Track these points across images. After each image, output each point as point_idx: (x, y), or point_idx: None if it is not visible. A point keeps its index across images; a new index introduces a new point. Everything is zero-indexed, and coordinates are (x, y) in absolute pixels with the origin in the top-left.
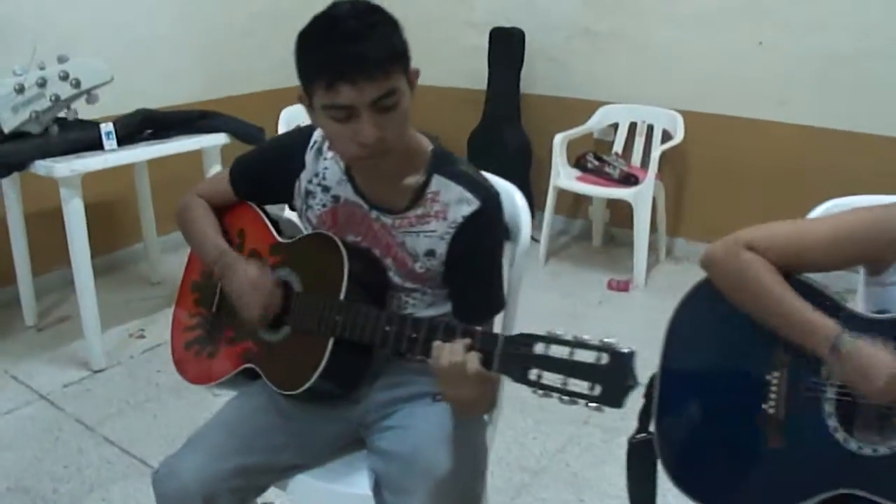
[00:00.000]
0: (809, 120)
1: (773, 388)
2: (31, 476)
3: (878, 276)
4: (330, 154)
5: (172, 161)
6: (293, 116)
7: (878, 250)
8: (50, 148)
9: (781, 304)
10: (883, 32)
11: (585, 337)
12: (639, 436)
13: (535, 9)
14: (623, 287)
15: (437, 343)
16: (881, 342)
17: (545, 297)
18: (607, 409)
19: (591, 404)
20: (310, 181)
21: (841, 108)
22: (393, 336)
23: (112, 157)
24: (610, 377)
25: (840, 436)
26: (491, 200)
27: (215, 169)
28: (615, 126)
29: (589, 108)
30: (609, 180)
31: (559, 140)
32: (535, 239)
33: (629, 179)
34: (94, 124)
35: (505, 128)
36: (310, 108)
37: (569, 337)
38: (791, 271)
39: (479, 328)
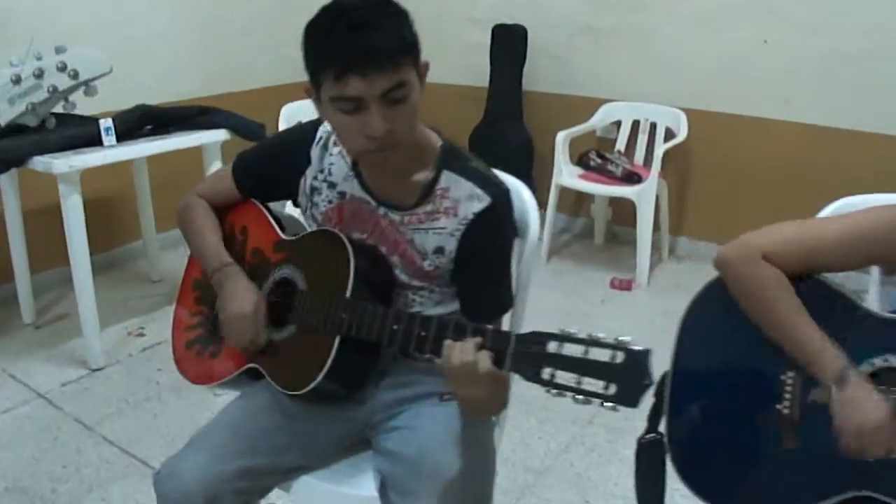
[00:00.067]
0: (813, 119)
1: (788, 389)
2: (30, 476)
3: (894, 275)
4: (336, 149)
5: (172, 157)
6: (294, 113)
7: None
8: (48, 144)
9: (794, 329)
10: (887, 32)
11: (599, 335)
12: (648, 436)
13: (538, 6)
14: (626, 286)
15: (447, 342)
16: (882, 393)
17: (547, 295)
18: (622, 409)
19: (606, 404)
20: (315, 177)
21: (845, 106)
22: (401, 334)
23: (111, 153)
24: (625, 376)
25: None
26: (502, 197)
27: (215, 165)
28: (618, 124)
29: (591, 105)
30: (612, 178)
31: (562, 137)
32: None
33: (632, 177)
34: (93, 120)
35: (507, 125)
36: (317, 101)
37: (583, 335)
38: (807, 274)
39: (490, 326)
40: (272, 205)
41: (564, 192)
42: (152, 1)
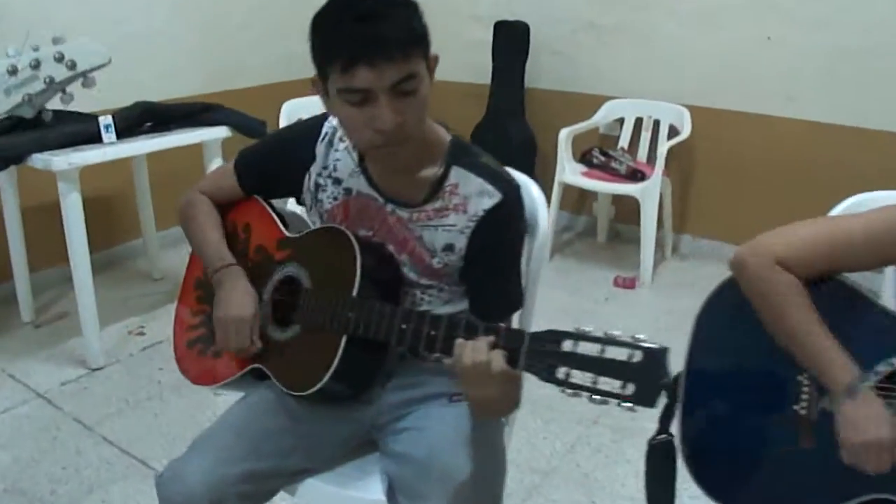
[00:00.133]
0: (817, 116)
1: (805, 389)
2: (29, 477)
3: None
4: (342, 145)
5: (172, 155)
6: (295, 110)
7: None
8: (47, 141)
9: (805, 337)
10: (890, 28)
11: (615, 333)
12: (659, 437)
13: (540, 2)
14: (629, 284)
15: (459, 341)
16: (891, 408)
17: (551, 294)
18: (639, 409)
19: (623, 404)
20: (319, 174)
21: (849, 104)
22: (410, 334)
23: (111, 150)
24: (643, 375)
25: None
26: (512, 193)
27: (216, 163)
28: (621, 121)
29: (594, 102)
30: (615, 176)
31: (565, 135)
32: None
33: (636, 175)
34: (93, 117)
35: (509, 122)
36: (324, 94)
37: (599, 333)
38: (827, 274)
39: (502, 325)
40: (275, 202)
41: (567, 189)
42: None
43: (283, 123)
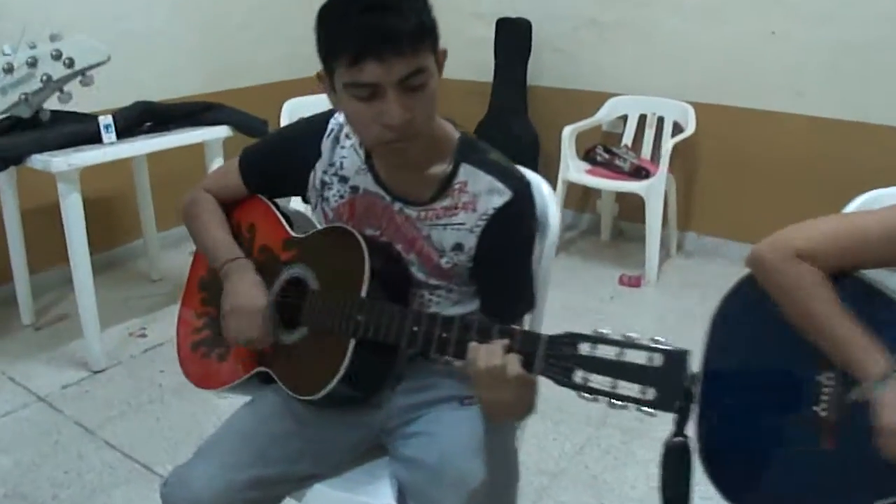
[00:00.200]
0: (823, 111)
1: (825, 389)
2: (30, 482)
3: None
4: (348, 142)
5: (173, 155)
6: (296, 109)
7: None
8: (47, 141)
9: (834, 328)
10: (895, 21)
11: (633, 335)
12: (675, 439)
13: None
14: (634, 283)
15: (472, 344)
16: None
17: (556, 293)
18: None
19: (643, 409)
20: (325, 171)
21: (855, 99)
22: (422, 336)
23: (111, 150)
24: (663, 379)
25: None
26: (523, 190)
27: (217, 163)
28: (624, 118)
29: (597, 99)
30: (619, 173)
31: (568, 132)
32: None
33: (640, 172)
34: (92, 117)
35: (512, 120)
36: (330, 90)
37: (617, 336)
38: (847, 270)
39: (517, 327)
40: (279, 201)
41: (570, 187)
42: None
43: (284, 122)
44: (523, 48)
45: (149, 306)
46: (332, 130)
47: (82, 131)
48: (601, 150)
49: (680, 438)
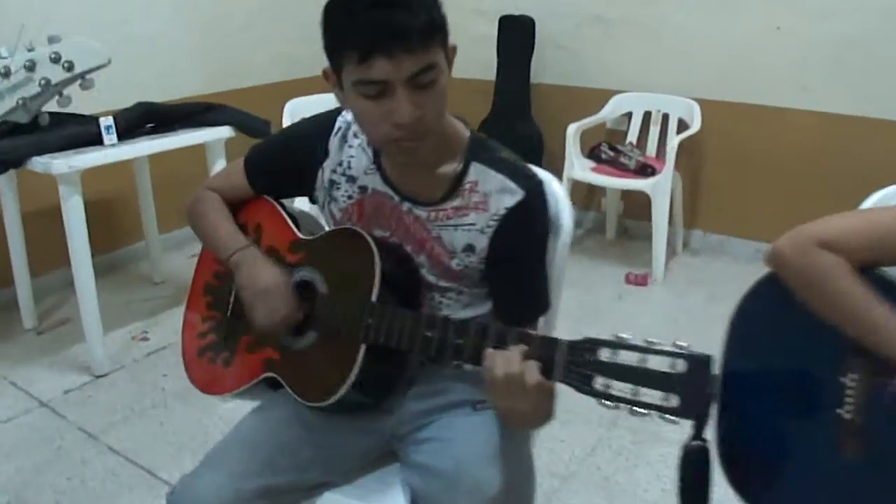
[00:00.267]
0: (830, 107)
1: (850, 392)
2: (32, 488)
3: None
4: (356, 141)
5: (174, 156)
6: (298, 109)
7: None
8: (47, 144)
9: (868, 314)
10: None
11: (653, 339)
12: (694, 442)
13: None
14: (641, 281)
15: (489, 351)
16: None
17: (563, 292)
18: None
19: (666, 416)
20: (334, 170)
21: (862, 94)
22: (436, 342)
23: (112, 152)
24: (687, 386)
25: None
26: (536, 189)
27: (220, 164)
28: (629, 115)
29: (601, 97)
30: (625, 171)
31: (573, 130)
32: None
33: (645, 170)
34: (93, 118)
35: (515, 118)
36: (337, 87)
37: (639, 341)
38: (867, 266)
39: (536, 333)
40: (285, 201)
41: (575, 186)
42: None
43: (286, 123)
44: (526, 45)
45: (151, 309)
46: (339, 129)
47: (83, 133)
48: (606, 148)
49: (698, 442)
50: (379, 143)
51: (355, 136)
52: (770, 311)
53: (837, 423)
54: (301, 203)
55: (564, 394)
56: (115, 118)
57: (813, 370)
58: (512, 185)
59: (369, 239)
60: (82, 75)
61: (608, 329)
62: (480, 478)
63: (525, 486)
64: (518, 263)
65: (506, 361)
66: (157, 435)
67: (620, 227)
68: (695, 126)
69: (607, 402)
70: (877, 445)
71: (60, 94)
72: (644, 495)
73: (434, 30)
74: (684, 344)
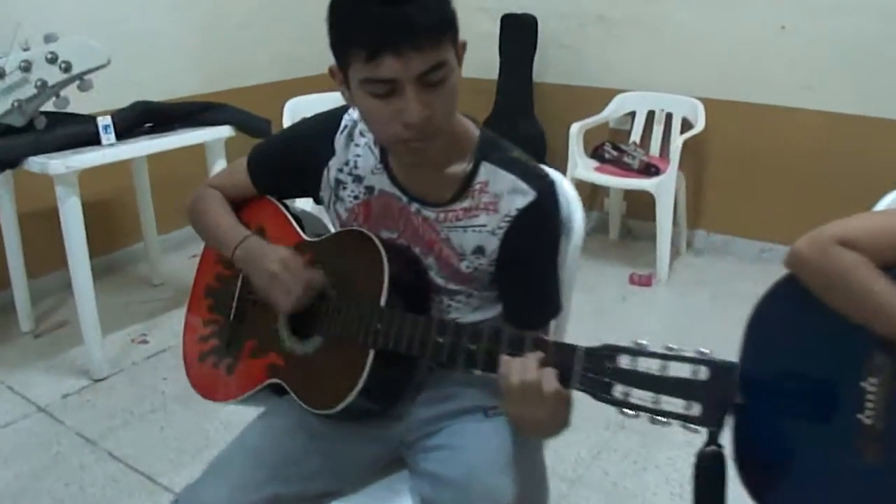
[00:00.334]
0: (834, 106)
1: (871, 396)
2: (30, 495)
3: None
4: (363, 140)
5: (173, 156)
6: (297, 109)
7: None
8: (44, 144)
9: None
10: None
11: (672, 345)
12: (708, 448)
13: None
14: (645, 281)
15: (505, 358)
16: None
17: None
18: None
19: (688, 425)
20: (340, 169)
21: (868, 93)
22: (448, 348)
23: (110, 152)
24: (710, 394)
25: None
26: (548, 190)
27: (219, 164)
28: (632, 115)
29: (604, 96)
30: (628, 171)
31: (576, 129)
32: None
33: (649, 169)
34: (91, 118)
35: (518, 118)
36: (344, 86)
37: (659, 348)
38: (889, 266)
39: (551, 339)
40: (289, 202)
41: (578, 185)
42: None
43: (286, 122)
44: (529, 44)
45: (150, 311)
46: (345, 127)
47: (80, 133)
48: (609, 148)
49: (714, 448)
50: (387, 142)
51: (361, 134)
52: (788, 313)
53: (858, 428)
54: (304, 203)
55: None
56: (113, 118)
57: (832, 374)
58: (523, 185)
59: (377, 241)
60: (80, 76)
61: (613, 330)
62: (493, 486)
63: (538, 494)
64: (529, 266)
65: (522, 368)
66: (157, 440)
67: (624, 228)
68: (699, 125)
69: (627, 411)
70: None
71: (57, 96)
72: (653, 499)
73: (445, 26)
74: (706, 350)
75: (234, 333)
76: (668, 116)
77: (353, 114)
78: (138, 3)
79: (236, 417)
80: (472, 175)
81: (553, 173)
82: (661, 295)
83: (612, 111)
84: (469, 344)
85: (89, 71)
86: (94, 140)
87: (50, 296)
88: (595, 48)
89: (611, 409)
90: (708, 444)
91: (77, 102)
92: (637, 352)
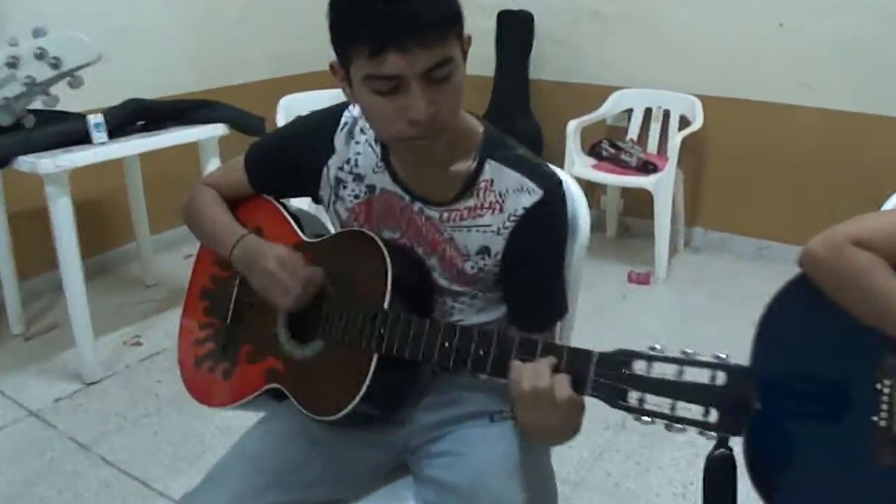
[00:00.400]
0: (832, 104)
1: (885, 398)
2: (23, 502)
3: None
4: (363, 137)
5: (166, 155)
6: (292, 106)
7: None
8: (33, 142)
9: None
10: None
11: (688, 350)
12: (717, 451)
13: None
14: (644, 280)
15: (516, 363)
16: None
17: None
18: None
19: (706, 432)
20: (340, 168)
21: (866, 91)
22: (455, 353)
23: (101, 150)
24: (728, 400)
25: None
26: (554, 189)
27: (213, 163)
28: (629, 112)
29: (601, 93)
30: (626, 168)
31: (573, 127)
32: None
33: (647, 167)
34: (81, 116)
35: (514, 115)
36: (345, 82)
37: (675, 353)
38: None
39: (564, 344)
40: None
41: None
42: None
43: (280, 120)
44: (525, 41)
45: (143, 313)
46: (345, 124)
47: (71, 131)
48: (607, 145)
49: (724, 451)
50: (390, 140)
51: (362, 131)
52: (800, 314)
53: (873, 430)
54: (303, 202)
55: None
56: (104, 116)
57: (846, 376)
58: (530, 183)
59: (379, 242)
60: (70, 73)
61: (613, 329)
62: (500, 492)
63: (546, 500)
64: (535, 266)
65: (534, 374)
66: (151, 444)
67: (621, 226)
68: (697, 123)
69: (643, 418)
70: None
71: (47, 94)
72: (656, 500)
73: (450, 21)
74: (723, 355)
75: (231, 337)
76: (666, 114)
77: (353, 110)
78: None
79: (232, 422)
80: (476, 173)
81: (560, 172)
82: (660, 293)
83: (610, 108)
84: (478, 348)
85: (80, 67)
86: (84, 138)
87: (41, 297)
88: (591, 45)
89: (612, 409)
90: (717, 446)
91: (67, 100)
92: (652, 357)
